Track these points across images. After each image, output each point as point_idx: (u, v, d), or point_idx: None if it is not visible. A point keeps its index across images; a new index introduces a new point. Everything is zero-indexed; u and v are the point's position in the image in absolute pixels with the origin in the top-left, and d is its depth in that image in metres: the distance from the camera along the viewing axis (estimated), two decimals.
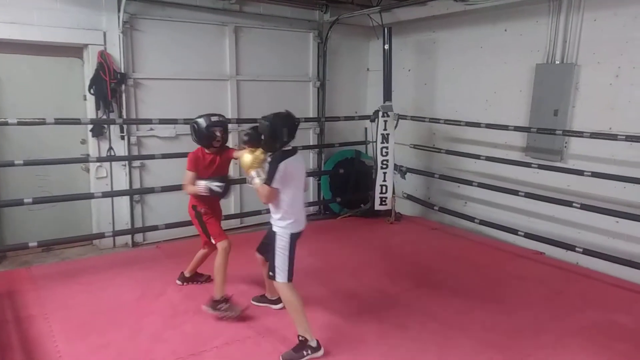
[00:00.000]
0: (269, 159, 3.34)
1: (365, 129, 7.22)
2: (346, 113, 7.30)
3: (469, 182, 6.11)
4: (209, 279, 4.41)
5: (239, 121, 6.08)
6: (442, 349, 3.51)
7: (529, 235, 5.44)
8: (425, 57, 6.91)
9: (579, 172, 4.99)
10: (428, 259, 5.32)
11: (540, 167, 5.37)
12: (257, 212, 5.91)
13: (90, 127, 5.49)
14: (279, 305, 3.87)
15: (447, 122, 6.22)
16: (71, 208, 5.58)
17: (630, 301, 4.37)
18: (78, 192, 5.48)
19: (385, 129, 6.36)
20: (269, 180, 3.25)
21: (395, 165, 6.56)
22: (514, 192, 5.57)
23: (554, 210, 5.38)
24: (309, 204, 7.06)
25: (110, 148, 5.63)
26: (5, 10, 4.89)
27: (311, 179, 7.33)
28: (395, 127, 6.42)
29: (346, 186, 7.10)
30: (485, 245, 5.77)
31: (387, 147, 6.40)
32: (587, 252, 4.93)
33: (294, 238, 3.40)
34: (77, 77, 5.54)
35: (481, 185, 5.96)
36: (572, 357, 3.46)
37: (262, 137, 3.34)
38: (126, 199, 5.84)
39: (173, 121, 5.47)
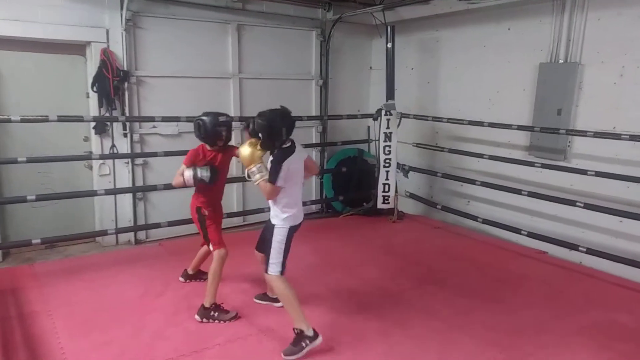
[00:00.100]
0: (270, 157, 3.34)
1: (368, 127, 7.19)
2: (349, 111, 7.29)
3: (471, 181, 6.10)
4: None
5: (242, 119, 6.08)
6: (444, 347, 3.51)
7: (532, 235, 5.44)
8: (428, 55, 6.90)
9: (583, 172, 4.98)
10: (430, 258, 5.31)
11: (544, 166, 5.36)
12: (260, 210, 5.93)
13: (93, 124, 5.50)
14: (280, 303, 3.86)
15: (450, 120, 6.21)
16: (74, 205, 5.60)
17: (633, 301, 4.35)
18: (81, 190, 5.50)
19: (388, 128, 6.36)
20: (272, 178, 3.26)
21: (398, 163, 6.56)
22: (517, 191, 5.56)
23: (557, 209, 5.37)
24: (312, 202, 7.06)
25: (113, 145, 5.64)
26: (9, 8, 4.90)
27: (313, 177, 7.32)
28: (398, 125, 6.41)
29: (349, 185, 7.10)
30: (488, 244, 5.76)
31: (389, 146, 6.39)
32: (590, 251, 4.92)
33: (292, 231, 3.43)
34: (80, 74, 5.55)
35: (484, 184, 5.95)
36: (574, 357, 3.45)
37: (260, 136, 3.33)
38: (129, 196, 5.85)
39: (176, 119, 5.49)
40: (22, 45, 5.15)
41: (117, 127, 5.65)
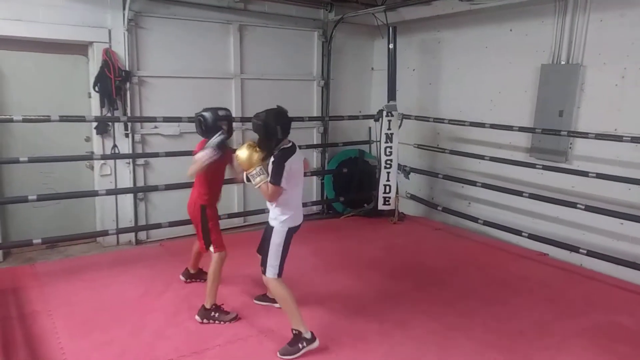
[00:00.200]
0: (271, 159, 3.33)
1: (369, 128, 7.21)
2: (350, 112, 7.29)
3: (472, 183, 6.10)
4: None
5: (243, 120, 6.08)
6: (444, 349, 3.51)
7: (532, 237, 5.43)
8: (429, 56, 6.90)
9: (584, 174, 4.97)
10: (431, 259, 5.31)
11: (545, 168, 5.36)
12: (261, 211, 5.92)
13: (94, 124, 5.51)
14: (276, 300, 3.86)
15: (452, 122, 6.21)
16: (75, 205, 5.60)
17: (634, 303, 4.34)
18: (82, 190, 5.51)
19: (389, 129, 6.35)
20: (275, 180, 3.24)
21: (399, 165, 6.55)
22: (518, 193, 5.55)
23: (558, 211, 5.36)
24: (312, 203, 7.07)
25: (115, 146, 5.64)
26: (11, 7, 4.91)
27: (314, 178, 7.34)
28: (399, 126, 6.41)
29: (350, 186, 7.10)
30: (488, 246, 5.76)
31: (390, 147, 6.39)
32: (591, 253, 4.91)
33: (291, 233, 3.42)
34: (82, 74, 5.55)
35: (485, 186, 5.94)
36: (575, 359, 3.44)
37: (258, 136, 3.33)
38: (130, 196, 5.85)
39: (177, 119, 5.49)
40: (24, 45, 5.16)
41: (118, 127, 5.66)
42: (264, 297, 4.07)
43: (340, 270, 4.88)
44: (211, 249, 3.84)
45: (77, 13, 5.27)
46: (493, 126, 5.75)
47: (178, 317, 3.84)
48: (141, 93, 5.78)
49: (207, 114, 3.81)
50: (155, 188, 5.65)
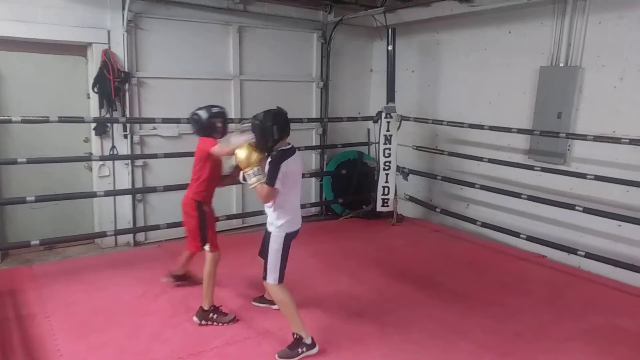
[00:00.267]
0: (268, 159, 3.31)
1: (368, 130, 7.21)
2: (349, 114, 7.29)
3: (471, 185, 6.10)
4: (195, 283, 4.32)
5: (242, 121, 6.07)
6: (443, 351, 3.51)
7: (531, 238, 5.43)
8: (429, 58, 6.90)
9: (582, 175, 4.98)
10: (429, 261, 5.30)
11: (543, 169, 5.36)
12: (260, 212, 5.89)
13: (93, 125, 5.50)
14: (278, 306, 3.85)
15: (450, 123, 6.21)
16: (73, 206, 5.59)
17: (632, 305, 4.35)
18: (80, 191, 5.50)
19: (388, 130, 6.35)
20: (270, 181, 3.22)
21: (397, 166, 6.55)
22: (517, 195, 5.56)
23: (556, 213, 5.36)
24: (311, 205, 7.06)
25: (113, 147, 5.63)
26: (11, 8, 4.90)
27: (313, 179, 7.33)
28: (398, 128, 6.41)
29: (348, 187, 7.09)
30: (487, 247, 5.76)
31: (389, 149, 6.39)
32: (589, 255, 4.91)
33: (289, 238, 3.39)
34: (81, 75, 5.55)
35: (484, 188, 5.94)
36: None
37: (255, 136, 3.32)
38: (128, 198, 5.85)
39: (176, 120, 5.48)
40: (23, 45, 5.15)
41: (117, 129, 5.65)
42: (262, 299, 4.07)
43: (338, 272, 4.88)
44: (206, 247, 3.83)
45: (76, 14, 5.26)
46: (492, 128, 5.75)
47: (175, 319, 3.83)
48: (140, 94, 5.78)
49: (201, 112, 3.83)
50: (153, 189, 5.64)
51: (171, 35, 5.90)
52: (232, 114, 6.33)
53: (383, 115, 6.35)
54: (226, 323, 3.76)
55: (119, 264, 4.94)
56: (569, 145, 5.33)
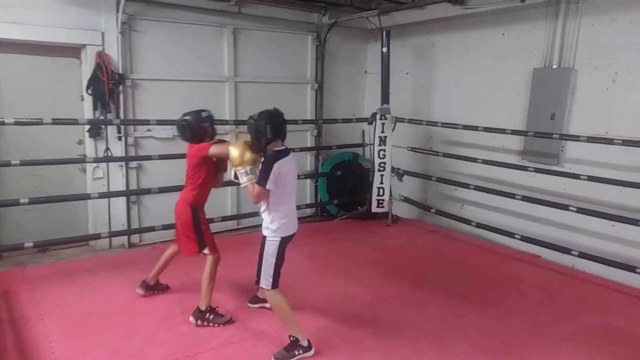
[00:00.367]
0: (261, 159, 3.30)
1: (363, 131, 7.22)
2: (344, 115, 7.30)
3: (465, 185, 6.12)
4: (167, 288, 4.32)
5: (237, 123, 6.08)
6: (438, 352, 3.51)
7: (525, 239, 5.46)
8: (423, 60, 6.93)
9: (576, 176, 5.01)
10: (424, 262, 5.32)
11: (537, 170, 5.39)
12: (255, 214, 5.90)
13: (87, 127, 5.48)
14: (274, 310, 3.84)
15: (445, 125, 6.23)
16: (67, 209, 5.56)
17: (626, 304, 4.38)
18: (74, 193, 5.46)
19: (382, 132, 6.37)
20: (261, 181, 3.20)
21: (392, 167, 6.57)
22: (511, 196, 5.58)
23: (550, 213, 5.39)
24: (306, 206, 7.06)
25: (108, 149, 5.61)
26: (4, 10, 4.88)
27: (308, 181, 7.34)
28: (393, 129, 6.42)
29: (343, 188, 7.10)
30: (481, 248, 5.78)
31: (384, 150, 6.40)
32: (583, 255, 4.94)
33: (284, 242, 3.36)
34: (75, 77, 5.53)
35: (478, 189, 5.97)
36: None
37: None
38: (123, 199, 5.82)
39: (171, 122, 5.42)
40: (16, 47, 5.13)
41: (111, 130, 5.63)
42: (256, 299, 4.06)
43: (334, 273, 4.88)
44: (205, 251, 3.82)
45: (70, 16, 5.24)
46: (486, 129, 5.77)
47: (170, 320, 3.82)
48: (134, 96, 5.76)
49: (189, 118, 3.80)
50: (148, 191, 5.63)
51: (165, 37, 5.89)
52: (226, 115, 6.34)
53: (378, 116, 6.36)
54: (222, 324, 3.75)
55: (113, 266, 4.91)
56: (563, 146, 5.37)
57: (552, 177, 5.29)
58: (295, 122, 6.31)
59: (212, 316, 3.76)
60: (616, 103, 4.93)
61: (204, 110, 3.88)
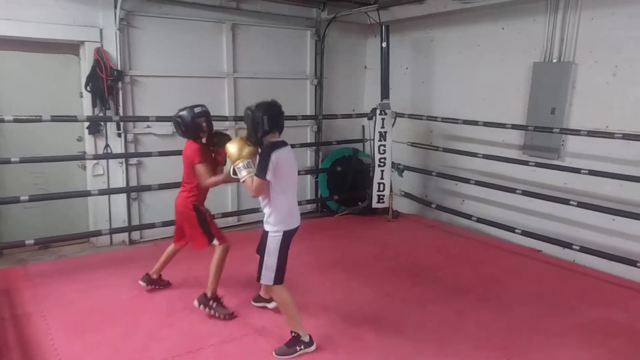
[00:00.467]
0: (258, 151, 3.26)
1: (363, 126, 7.21)
2: (344, 111, 7.29)
3: (466, 180, 6.12)
4: (168, 285, 4.36)
5: (236, 119, 6.06)
6: (439, 347, 3.52)
7: (525, 233, 5.46)
8: (422, 55, 6.91)
9: (576, 170, 5.00)
10: (425, 257, 5.32)
11: (538, 165, 5.38)
12: (255, 210, 5.91)
13: (86, 124, 5.47)
14: (274, 304, 3.84)
15: (445, 120, 6.23)
16: (68, 206, 5.56)
17: (626, 298, 4.38)
18: (74, 190, 5.47)
19: (382, 127, 6.36)
20: (260, 172, 3.16)
21: (392, 163, 6.56)
22: (511, 190, 5.58)
23: (550, 208, 5.39)
24: (307, 202, 7.06)
25: (107, 145, 5.61)
26: (1, 7, 4.86)
27: (308, 176, 7.33)
28: (393, 125, 6.42)
29: (344, 184, 7.10)
30: (482, 243, 5.78)
31: (384, 145, 6.40)
32: (583, 249, 4.95)
33: (288, 236, 3.32)
34: (74, 74, 5.52)
35: (478, 183, 5.97)
36: (568, 355, 3.47)
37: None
38: (123, 196, 5.82)
39: (170, 118, 5.44)
40: (15, 44, 5.11)
41: (110, 127, 5.62)
42: (259, 298, 4.05)
43: (334, 269, 4.88)
44: (215, 242, 3.88)
45: (68, 12, 5.23)
46: (486, 124, 5.77)
47: (172, 317, 3.82)
48: (133, 92, 5.75)
49: (184, 114, 3.82)
50: (148, 188, 5.63)
51: (164, 34, 5.87)
52: (226, 112, 6.32)
53: (377, 112, 6.36)
54: (223, 316, 3.78)
55: (114, 263, 4.92)
56: (563, 141, 5.36)
57: (553, 171, 5.29)
58: (295, 117, 6.30)
59: (215, 304, 3.80)
60: (616, 97, 4.92)
61: (198, 106, 3.88)
